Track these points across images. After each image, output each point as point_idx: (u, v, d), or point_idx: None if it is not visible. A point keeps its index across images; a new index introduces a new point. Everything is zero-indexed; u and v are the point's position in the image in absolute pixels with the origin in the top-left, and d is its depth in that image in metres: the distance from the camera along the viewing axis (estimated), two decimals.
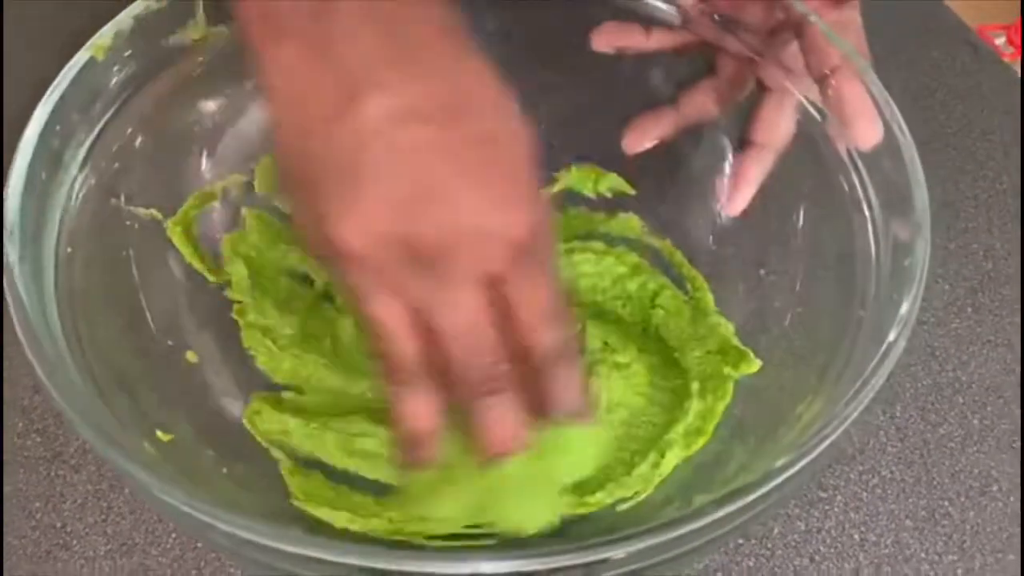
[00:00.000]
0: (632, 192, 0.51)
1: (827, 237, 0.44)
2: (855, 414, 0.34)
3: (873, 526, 0.45)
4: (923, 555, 0.45)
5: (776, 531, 0.45)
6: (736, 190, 0.47)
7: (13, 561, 0.43)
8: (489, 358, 0.34)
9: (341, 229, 0.31)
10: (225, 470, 0.42)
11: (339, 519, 0.42)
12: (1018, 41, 1.51)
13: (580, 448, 0.41)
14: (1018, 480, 0.47)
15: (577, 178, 0.51)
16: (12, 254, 0.35)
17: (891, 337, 0.35)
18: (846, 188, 0.43)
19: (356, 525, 0.42)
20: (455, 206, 0.32)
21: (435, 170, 0.31)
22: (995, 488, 0.47)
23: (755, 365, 0.44)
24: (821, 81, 0.43)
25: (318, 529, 0.41)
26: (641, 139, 0.49)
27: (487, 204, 0.32)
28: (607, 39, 0.48)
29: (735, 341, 0.46)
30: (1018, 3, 1.44)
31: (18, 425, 0.47)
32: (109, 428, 0.34)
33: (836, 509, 0.46)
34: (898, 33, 0.67)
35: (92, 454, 0.46)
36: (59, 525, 0.44)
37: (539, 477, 0.39)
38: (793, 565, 0.44)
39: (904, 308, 0.36)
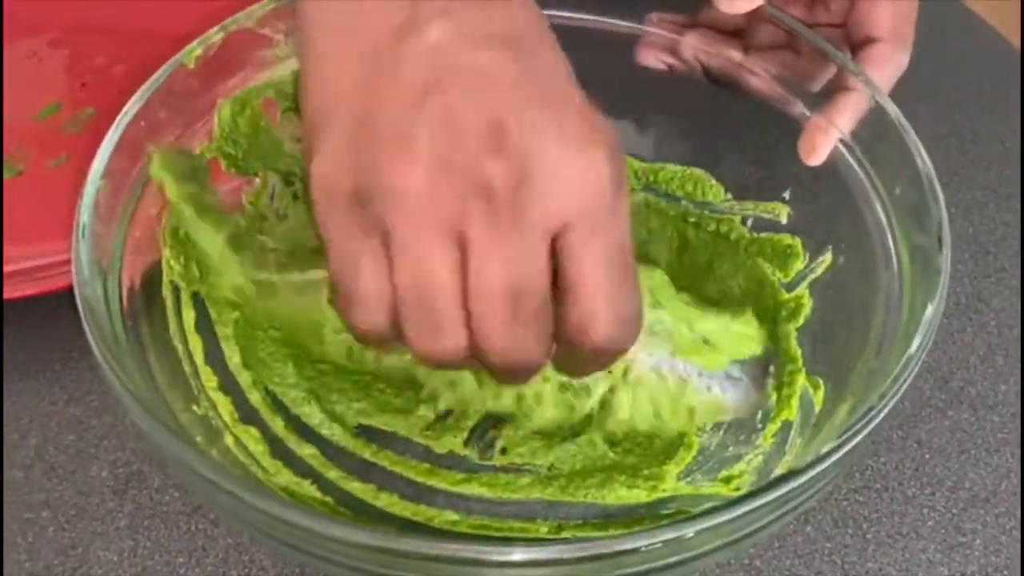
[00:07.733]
0: None
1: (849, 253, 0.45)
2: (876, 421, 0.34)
3: (1016, 570, 0.45)
4: None
5: None
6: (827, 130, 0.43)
7: None
8: (533, 342, 0.30)
9: (397, 165, 0.28)
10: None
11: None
12: None
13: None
14: None
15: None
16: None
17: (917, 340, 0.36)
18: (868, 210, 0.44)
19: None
20: (533, 142, 0.28)
21: (509, 100, 0.28)
22: None
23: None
24: (859, 46, 0.43)
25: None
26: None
27: (570, 142, 0.28)
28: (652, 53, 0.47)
29: None
30: None
31: (155, 480, 0.47)
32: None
33: (976, 553, 0.46)
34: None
35: None
36: None
37: None
38: None
39: (929, 312, 0.37)
